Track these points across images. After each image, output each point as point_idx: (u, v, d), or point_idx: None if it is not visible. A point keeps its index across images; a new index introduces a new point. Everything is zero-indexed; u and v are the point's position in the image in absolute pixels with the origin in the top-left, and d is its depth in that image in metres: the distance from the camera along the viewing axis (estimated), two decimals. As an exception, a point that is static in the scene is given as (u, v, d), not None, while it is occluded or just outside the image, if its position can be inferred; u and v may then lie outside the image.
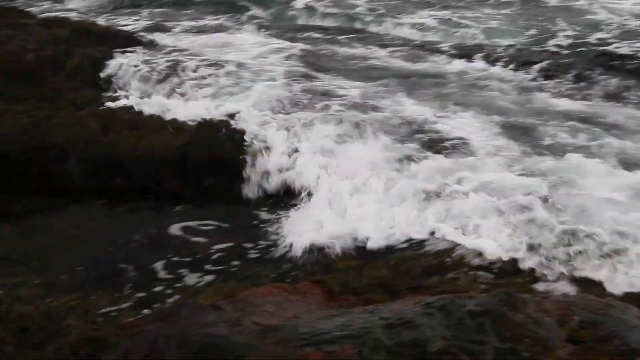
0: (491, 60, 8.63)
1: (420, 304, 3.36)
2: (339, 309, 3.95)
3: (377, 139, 6.03)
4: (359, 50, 9.25)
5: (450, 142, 6.01)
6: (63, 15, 10.48)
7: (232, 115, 6.57)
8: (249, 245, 5.17)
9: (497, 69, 8.32)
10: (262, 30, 10.30)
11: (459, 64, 8.48)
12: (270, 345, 3.05)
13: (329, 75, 7.91)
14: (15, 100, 6.90)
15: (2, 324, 3.16)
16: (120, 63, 7.66)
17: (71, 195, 5.98)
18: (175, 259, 5.02)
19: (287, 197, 5.79)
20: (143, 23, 11.04)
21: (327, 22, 12.24)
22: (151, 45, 8.66)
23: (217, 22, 11.25)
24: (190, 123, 6.46)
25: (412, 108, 6.80)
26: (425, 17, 12.31)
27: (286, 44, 9.13)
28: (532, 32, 11.62)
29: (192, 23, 10.91)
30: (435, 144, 5.97)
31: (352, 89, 7.33)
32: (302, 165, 5.91)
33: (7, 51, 7.62)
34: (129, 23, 10.95)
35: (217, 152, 6.21)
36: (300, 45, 9.04)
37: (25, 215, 5.65)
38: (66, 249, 5.10)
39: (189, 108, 6.74)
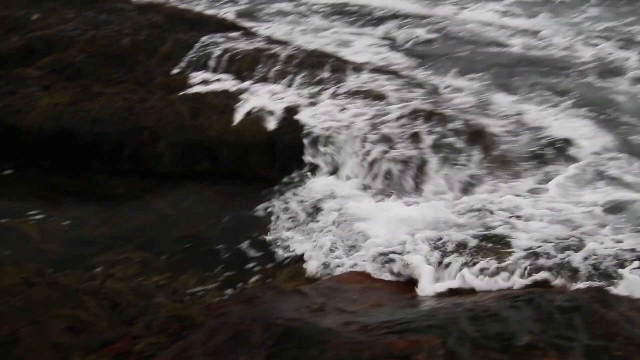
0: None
1: (507, 297, 3.30)
2: (423, 298, 3.92)
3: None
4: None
5: None
6: (158, 1, 10.69)
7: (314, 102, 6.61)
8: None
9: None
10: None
11: None
12: (353, 332, 3.05)
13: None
14: (111, 83, 7.10)
15: (96, 300, 3.27)
16: (212, 49, 7.77)
17: (161, 177, 6.12)
18: (261, 240, 5.08)
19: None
20: (239, 9, 11.23)
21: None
22: (243, 31, 8.76)
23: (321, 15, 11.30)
24: (279, 109, 6.51)
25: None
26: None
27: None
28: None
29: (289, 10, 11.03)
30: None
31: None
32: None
33: (105, 36, 7.83)
34: (225, 10, 11.12)
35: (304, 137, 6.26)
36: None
37: (121, 197, 5.82)
38: (159, 229, 5.24)
39: (275, 94, 6.80)
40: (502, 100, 7.03)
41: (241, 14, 10.83)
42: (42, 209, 5.51)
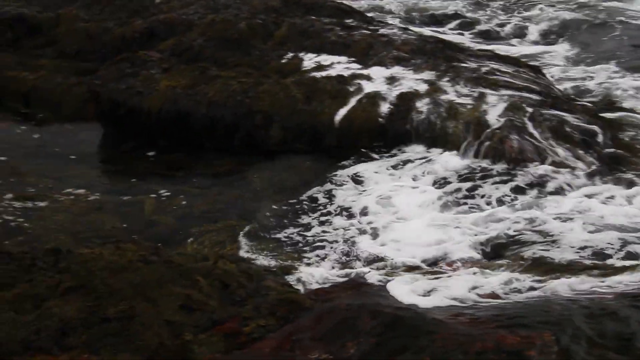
0: None
1: (626, 295, 3.16)
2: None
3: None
4: None
5: None
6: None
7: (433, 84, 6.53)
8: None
9: None
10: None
11: None
12: (462, 324, 2.99)
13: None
14: (227, 67, 7.23)
15: (208, 280, 3.35)
16: (326, 33, 7.79)
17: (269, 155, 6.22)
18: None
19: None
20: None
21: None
22: (359, 16, 8.73)
23: None
24: (393, 95, 6.45)
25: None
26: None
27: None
28: None
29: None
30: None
31: None
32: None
33: (223, 19, 7.98)
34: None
35: (416, 124, 6.19)
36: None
37: (227, 173, 5.96)
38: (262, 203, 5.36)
39: (389, 79, 6.74)
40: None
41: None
42: (157, 184, 5.71)
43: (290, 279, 4.12)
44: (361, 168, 5.92)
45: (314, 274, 4.37)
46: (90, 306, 3.04)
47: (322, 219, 5.21)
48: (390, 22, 9.48)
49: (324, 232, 5.03)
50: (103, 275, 3.27)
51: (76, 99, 7.14)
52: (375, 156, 6.10)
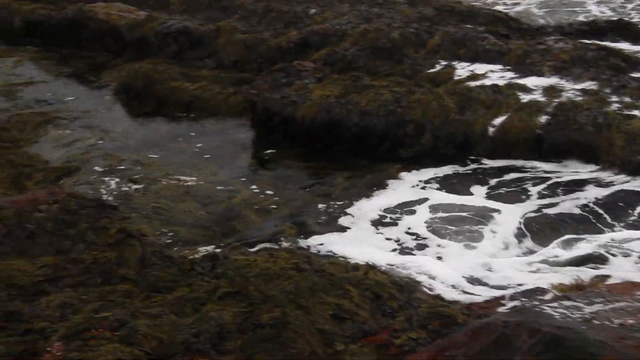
0: None
1: None
2: None
3: None
4: None
5: None
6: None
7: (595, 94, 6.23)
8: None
9: None
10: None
11: None
12: (630, 348, 2.80)
13: None
14: (379, 76, 7.24)
15: (358, 290, 3.34)
16: (480, 42, 7.63)
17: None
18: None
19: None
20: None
21: None
22: (515, 24, 8.51)
23: None
24: (551, 104, 6.22)
25: None
26: None
27: None
28: None
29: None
30: None
31: None
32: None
33: (376, 29, 8.00)
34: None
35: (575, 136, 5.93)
36: None
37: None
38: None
39: (546, 89, 6.51)
40: None
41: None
42: (302, 184, 5.81)
43: (442, 292, 4.03)
44: (514, 180, 5.75)
45: (467, 287, 4.27)
46: (245, 312, 3.10)
47: (474, 233, 5.09)
48: (545, 29, 9.16)
49: (477, 246, 4.91)
50: (257, 282, 3.34)
51: (233, 108, 7.38)
52: (530, 168, 5.90)
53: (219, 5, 9.86)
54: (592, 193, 5.46)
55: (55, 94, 8.13)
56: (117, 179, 5.89)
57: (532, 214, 5.28)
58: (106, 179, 5.90)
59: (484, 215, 5.24)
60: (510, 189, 5.66)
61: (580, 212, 5.26)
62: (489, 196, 5.58)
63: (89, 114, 7.50)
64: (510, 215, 5.24)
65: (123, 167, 6.17)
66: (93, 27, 9.64)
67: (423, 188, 5.76)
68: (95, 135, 6.89)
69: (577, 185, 5.60)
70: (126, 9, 9.95)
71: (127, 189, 5.71)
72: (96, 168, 6.12)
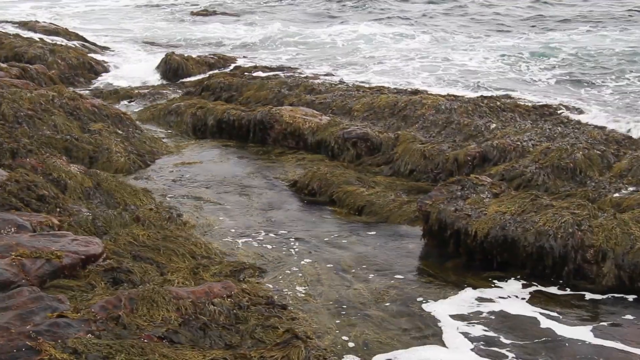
0: None
1: None
2: None
3: None
4: None
5: None
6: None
7: None
8: None
9: None
10: None
11: None
12: None
13: None
14: (559, 196, 7.03)
15: None
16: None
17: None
18: None
19: None
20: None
21: None
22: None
23: None
24: None
25: None
26: None
27: None
28: None
29: None
30: None
31: None
32: None
33: (559, 148, 7.83)
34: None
35: None
36: None
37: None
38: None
39: None
40: None
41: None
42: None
43: None
44: None
45: None
46: None
47: None
48: None
49: None
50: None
51: (406, 216, 7.39)
52: None
53: (401, 114, 10.08)
54: None
55: (236, 185, 8.53)
56: (287, 276, 6.01)
57: None
58: (277, 274, 6.04)
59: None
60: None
61: None
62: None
63: (264, 207, 7.79)
64: None
65: (291, 263, 6.31)
66: (278, 129, 10.13)
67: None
68: (267, 228, 7.13)
69: None
70: (311, 113, 10.40)
71: (297, 287, 5.80)
72: (266, 262, 6.29)
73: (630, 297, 5.80)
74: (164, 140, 10.48)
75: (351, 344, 4.84)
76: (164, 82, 14.64)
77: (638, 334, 5.24)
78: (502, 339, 5.13)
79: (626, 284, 5.89)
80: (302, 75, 13.38)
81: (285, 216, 7.57)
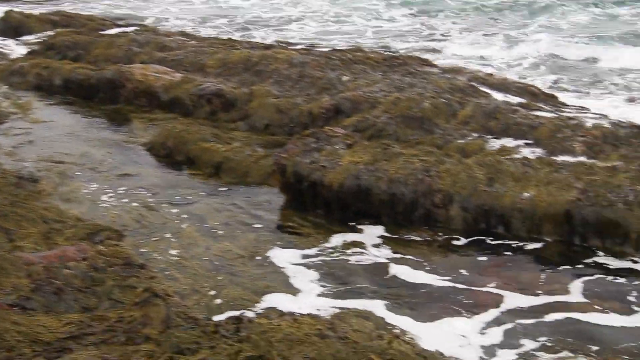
0: None
1: None
2: None
3: None
4: None
5: None
6: (462, 66, 10.90)
7: (625, 173, 6.19)
8: None
9: None
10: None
11: None
12: None
13: None
14: (409, 144, 7.29)
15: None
16: (510, 114, 7.68)
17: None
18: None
19: None
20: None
21: None
22: (549, 99, 8.56)
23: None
24: (576, 183, 6.20)
25: None
26: None
27: None
28: None
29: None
30: None
31: None
32: None
33: (408, 98, 8.10)
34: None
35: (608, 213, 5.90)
36: None
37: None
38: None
39: (573, 166, 6.51)
40: None
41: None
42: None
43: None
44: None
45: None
46: (267, 377, 3.09)
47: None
48: (579, 103, 9.21)
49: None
50: (280, 347, 3.33)
51: (263, 170, 7.44)
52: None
53: (254, 69, 10.06)
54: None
55: (88, 147, 8.28)
56: (146, 237, 5.95)
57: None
58: (135, 236, 5.96)
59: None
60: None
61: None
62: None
63: (119, 169, 7.61)
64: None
65: (152, 224, 6.24)
66: (129, 87, 9.86)
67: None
68: (125, 190, 6.99)
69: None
70: (162, 70, 10.19)
71: (155, 247, 5.75)
72: (124, 224, 6.19)
73: (476, 238, 6.14)
74: (5, 102, 9.96)
75: (218, 301, 4.90)
76: (4, 40, 13.85)
77: (483, 274, 5.57)
78: (354, 284, 5.32)
79: (472, 226, 6.25)
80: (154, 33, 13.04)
81: (142, 178, 7.42)
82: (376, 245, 5.99)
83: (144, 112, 9.57)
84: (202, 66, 10.56)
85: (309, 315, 4.15)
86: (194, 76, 10.01)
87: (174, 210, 6.59)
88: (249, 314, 4.33)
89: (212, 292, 5.03)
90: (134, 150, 8.26)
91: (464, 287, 5.31)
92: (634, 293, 5.17)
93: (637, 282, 5.33)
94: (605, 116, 7.77)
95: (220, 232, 6.17)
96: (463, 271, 5.56)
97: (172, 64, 10.67)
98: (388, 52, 11.00)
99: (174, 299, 4.06)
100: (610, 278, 5.41)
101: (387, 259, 5.76)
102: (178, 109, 9.43)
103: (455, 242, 6.08)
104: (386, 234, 6.21)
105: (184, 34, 13.53)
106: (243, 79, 9.91)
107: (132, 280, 4.08)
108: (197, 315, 3.86)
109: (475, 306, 5.01)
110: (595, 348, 4.44)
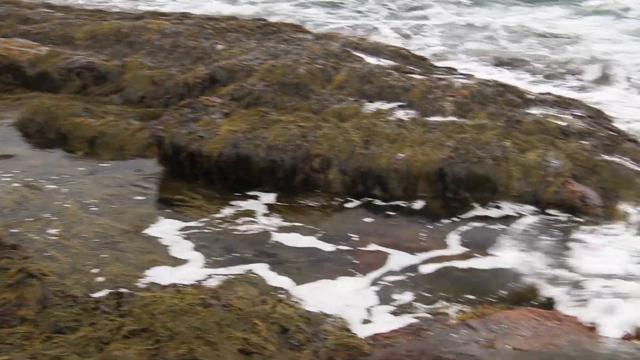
0: None
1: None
2: (602, 340, 3.70)
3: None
4: None
5: None
6: (336, 32, 11.01)
7: (492, 130, 6.48)
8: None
9: None
10: None
11: None
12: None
13: None
14: (286, 111, 7.33)
15: (266, 324, 3.36)
16: (385, 77, 7.84)
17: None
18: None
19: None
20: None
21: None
22: (419, 61, 8.78)
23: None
24: (449, 140, 6.44)
25: None
26: None
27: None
28: None
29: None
30: None
31: None
32: None
33: (283, 65, 8.11)
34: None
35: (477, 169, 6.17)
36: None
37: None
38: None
39: (446, 126, 6.76)
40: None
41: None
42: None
43: (349, 323, 4.08)
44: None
45: (373, 318, 4.34)
46: (151, 349, 3.07)
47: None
48: (452, 65, 9.52)
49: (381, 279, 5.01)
50: (164, 319, 3.31)
51: (140, 143, 7.30)
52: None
53: (126, 41, 9.79)
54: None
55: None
56: (18, 217, 5.73)
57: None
58: (10, 216, 5.73)
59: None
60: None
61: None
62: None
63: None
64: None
65: (23, 203, 6.01)
66: (-8, 62, 9.40)
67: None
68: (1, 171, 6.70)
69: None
70: (27, 44, 9.75)
71: (29, 226, 5.56)
72: (3, 205, 5.94)
73: (362, 201, 6.27)
74: None
75: (100, 278, 4.79)
76: None
77: (365, 235, 5.71)
78: (240, 253, 5.34)
79: (352, 189, 6.38)
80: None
81: (14, 158, 7.12)
82: (265, 214, 6.01)
83: (9, 89, 9.14)
84: (70, 39, 10.17)
85: (192, 285, 4.14)
86: (62, 49, 9.64)
87: (52, 188, 6.37)
88: (132, 288, 4.28)
89: (95, 270, 4.90)
90: (1, 130, 7.90)
91: (348, 248, 5.42)
92: (507, 237, 5.48)
93: (508, 227, 5.65)
94: (471, 76, 8.07)
95: (102, 208, 6.01)
96: (347, 233, 5.67)
97: (37, 37, 10.23)
98: (261, 21, 10.92)
99: (50, 278, 3.96)
100: (483, 226, 5.70)
101: (275, 226, 5.79)
102: (47, 84, 9.06)
103: (340, 205, 6.18)
104: (274, 202, 6.24)
105: (48, 5, 12.95)
106: (115, 51, 9.63)
107: (4, 261, 3.94)
108: (76, 293, 3.78)
109: (358, 266, 5.13)
110: (469, 296, 4.66)
